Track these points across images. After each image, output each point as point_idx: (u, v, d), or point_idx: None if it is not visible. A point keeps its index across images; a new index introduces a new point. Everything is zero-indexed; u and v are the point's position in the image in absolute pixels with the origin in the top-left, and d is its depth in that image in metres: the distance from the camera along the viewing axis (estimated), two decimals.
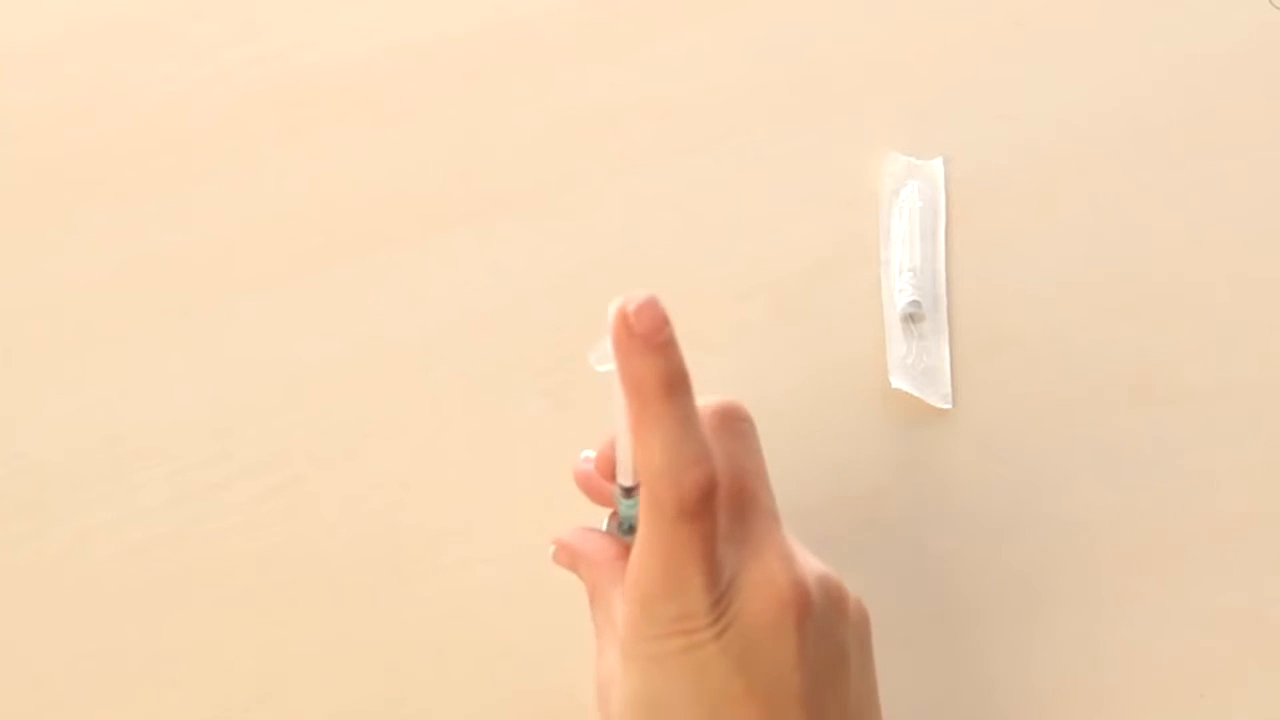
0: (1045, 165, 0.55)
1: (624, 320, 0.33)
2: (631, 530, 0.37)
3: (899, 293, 0.51)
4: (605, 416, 0.36)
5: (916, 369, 0.50)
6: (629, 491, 0.37)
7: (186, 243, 0.53)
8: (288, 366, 0.50)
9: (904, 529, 0.48)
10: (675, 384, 0.33)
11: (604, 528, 0.41)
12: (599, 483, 0.40)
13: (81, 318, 0.51)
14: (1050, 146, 0.55)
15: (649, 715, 0.34)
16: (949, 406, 0.50)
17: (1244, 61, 0.57)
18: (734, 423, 0.37)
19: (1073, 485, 0.49)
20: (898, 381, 0.50)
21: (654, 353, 0.33)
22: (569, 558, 0.40)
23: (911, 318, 0.51)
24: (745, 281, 0.52)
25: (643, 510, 0.34)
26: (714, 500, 0.33)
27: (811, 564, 0.36)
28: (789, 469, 0.49)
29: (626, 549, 0.38)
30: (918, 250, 0.52)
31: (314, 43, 0.57)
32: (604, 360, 0.34)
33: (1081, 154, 0.55)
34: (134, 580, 0.46)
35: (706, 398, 0.37)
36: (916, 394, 0.49)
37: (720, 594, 0.33)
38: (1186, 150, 0.55)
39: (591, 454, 0.40)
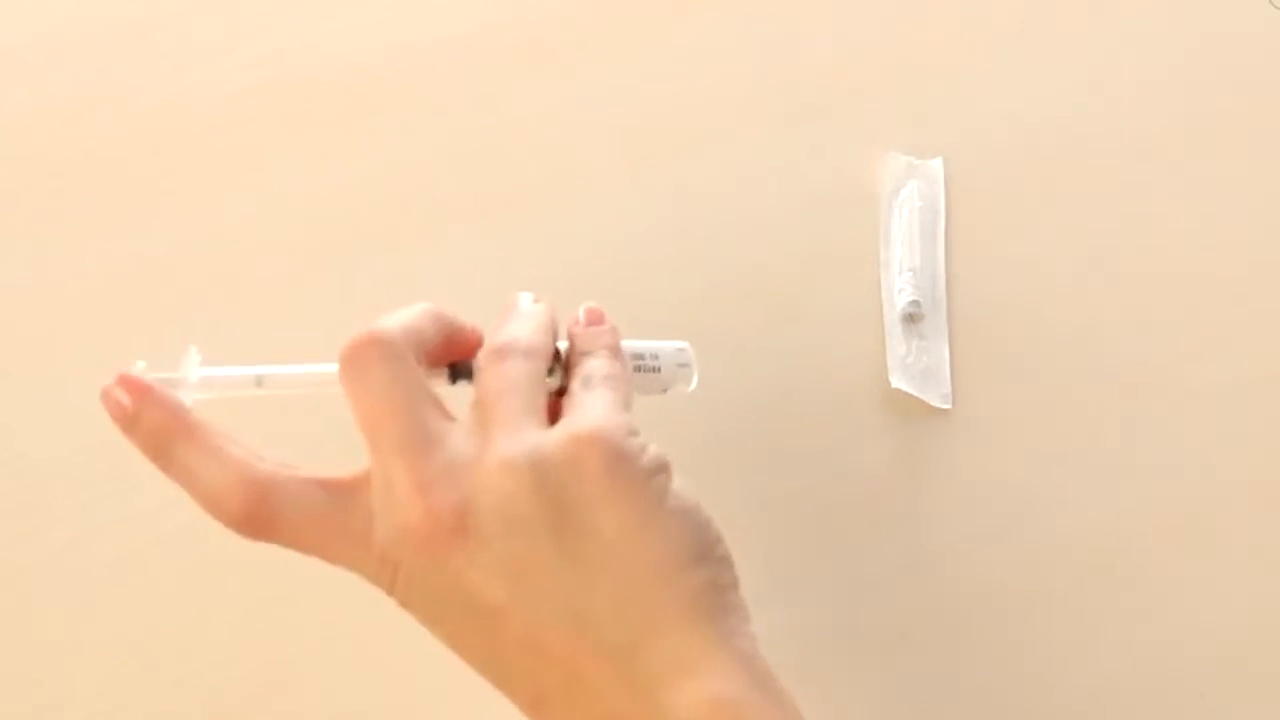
0: (1045, 165, 0.55)
1: (107, 404, 0.37)
2: None
3: (899, 293, 0.51)
4: None
5: (916, 369, 0.50)
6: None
7: (186, 243, 0.53)
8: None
9: (904, 529, 0.48)
10: (169, 437, 0.36)
11: None
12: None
13: (81, 318, 0.51)
14: (1050, 146, 0.55)
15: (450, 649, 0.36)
16: (949, 406, 0.50)
17: (1244, 61, 0.57)
18: (355, 363, 0.36)
19: (1072, 485, 0.49)
20: (898, 381, 0.50)
21: (137, 420, 0.37)
22: None
23: (911, 318, 0.51)
24: (745, 281, 0.52)
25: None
26: (262, 515, 0.35)
27: (471, 464, 0.34)
28: (789, 469, 0.49)
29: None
30: (918, 250, 0.52)
31: (314, 43, 0.57)
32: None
33: (1081, 154, 0.55)
34: (134, 580, 0.46)
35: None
36: (916, 394, 0.49)
37: (381, 554, 0.34)
38: (1186, 150, 0.55)
39: None
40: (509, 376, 0.36)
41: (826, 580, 0.47)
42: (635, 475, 0.34)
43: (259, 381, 0.38)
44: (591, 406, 0.35)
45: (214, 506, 0.35)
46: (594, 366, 0.37)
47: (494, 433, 0.34)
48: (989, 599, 0.47)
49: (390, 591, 0.35)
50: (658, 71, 0.57)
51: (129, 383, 0.36)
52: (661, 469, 0.34)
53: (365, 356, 0.35)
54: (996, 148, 0.55)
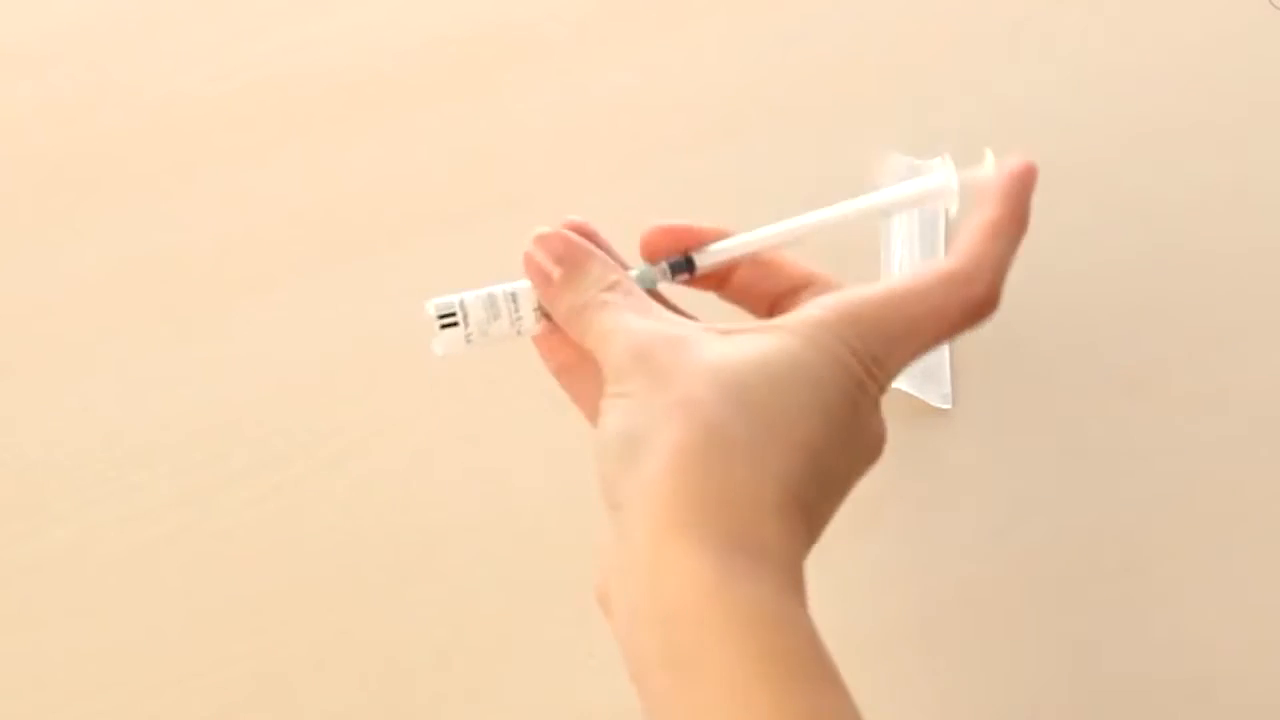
0: (1045, 165, 0.55)
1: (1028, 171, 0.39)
2: None
3: None
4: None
5: (916, 369, 0.50)
6: (682, 269, 0.39)
7: (186, 243, 0.53)
8: (288, 366, 0.50)
9: (904, 529, 0.48)
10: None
11: None
12: (666, 240, 0.40)
13: (81, 318, 0.51)
14: (1050, 146, 0.55)
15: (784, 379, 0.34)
16: (949, 406, 0.50)
17: (1244, 61, 0.57)
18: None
19: (1072, 485, 0.49)
20: (898, 381, 0.49)
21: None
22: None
23: None
24: None
25: (936, 279, 0.35)
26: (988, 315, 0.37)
27: None
28: None
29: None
30: (917, 250, 0.52)
31: (314, 43, 0.57)
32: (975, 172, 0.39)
33: (1081, 154, 0.55)
34: (134, 580, 0.46)
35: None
36: (916, 394, 0.49)
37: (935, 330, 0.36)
38: (1186, 149, 0.55)
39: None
40: None
41: (826, 580, 0.47)
42: None
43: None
44: None
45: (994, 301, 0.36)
46: None
47: None
48: (989, 598, 0.47)
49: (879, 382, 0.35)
50: (658, 71, 0.57)
51: None
52: None
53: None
54: (996, 148, 0.55)
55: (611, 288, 0.37)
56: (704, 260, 0.39)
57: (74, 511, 0.47)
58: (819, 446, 0.33)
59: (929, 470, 0.49)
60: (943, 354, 0.50)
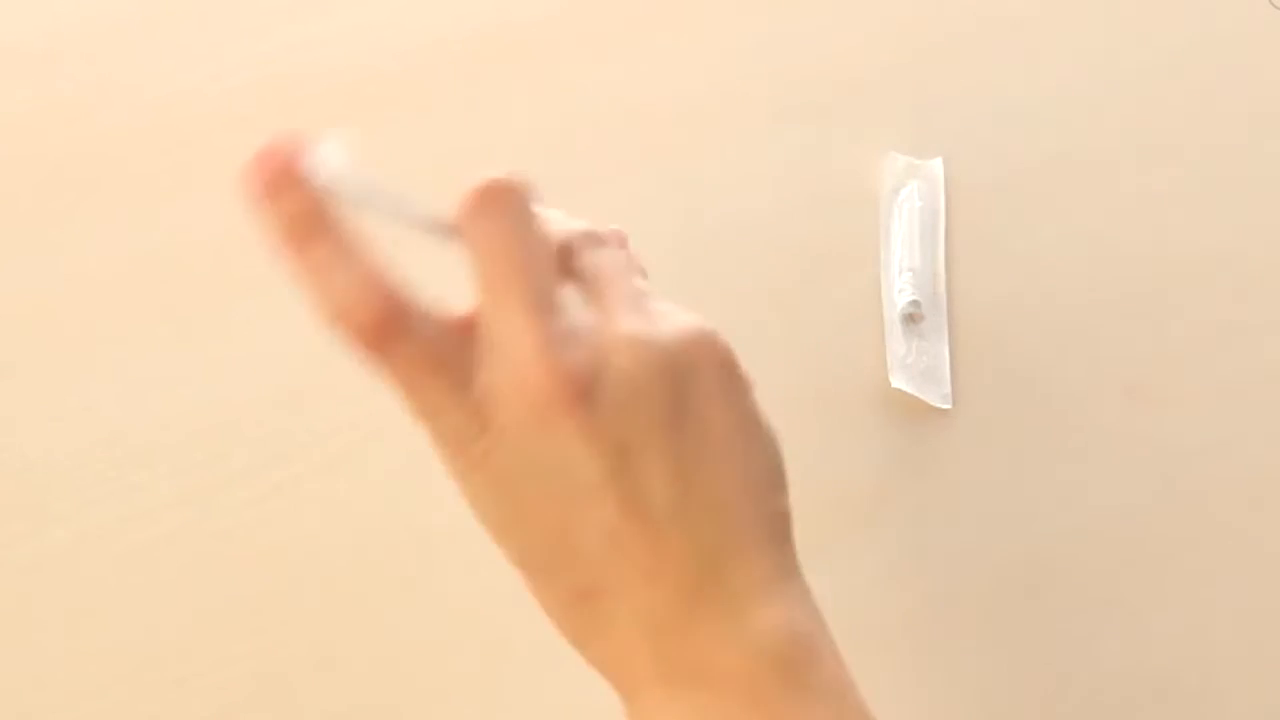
0: (1045, 165, 0.55)
1: (249, 175, 0.32)
2: None
3: (899, 293, 0.51)
4: None
5: (916, 369, 0.50)
6: None
7: (187, 243, 0.53)
8: (288, 366, 0.50)
9: (904, 529, 0.48)
10: (309, 228, 0.32)
11: None
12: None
13: (81, 318, 0.51)
14: (1050, 146, 0.55)
15: (490, 528, 0.33)
16: (949, 406, 0.50)
17: (1243, 61, 0.57)
18: (491, 203, 0.33)
19: (1072, 485, 0.49)
20: (898, 381, 0.50)
21: (278, 200, 0.32)
22: None
23: (911, 318, 0.51)
24: (745, 281, 0.52)
25: None
26: (390, 330, 0.31)
27: (596, 333, 0.32)
28: (788, 468, 0.49)
29: None
30: (917, 250, 0.52)
31: (315, 43, 0.57)
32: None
33: (1081, 154, 0.55)
34: (134, 580, 0.46)
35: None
36: (916, 394, 0.49)
37: (475, 406, 0.31)
38: (1186, 150, 0.55)
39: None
40: (614, 260, 0.34)
41: (826, 580, 0.47)
42: (744, 384, 0.33)
43: (373, 200, 0.33)
44: (681, 312, 0.33)
45: (341, 313, 0.32)
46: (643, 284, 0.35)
47: (614, 309, 0.32)
48: (989, 598, 0.47)
49: (470, 445, 0.31)
50: (658, 71, 0.57)
51: (276, 159, 0.32)
52: (752, 386, 0.33)
53: (502, 200, 0.32)
54: (996, 148, 0.55)
55: None
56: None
57: (74, 511, 0.47)
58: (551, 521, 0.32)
59: (929, 470, 0.49)
60: (943, 354, 0.50)
